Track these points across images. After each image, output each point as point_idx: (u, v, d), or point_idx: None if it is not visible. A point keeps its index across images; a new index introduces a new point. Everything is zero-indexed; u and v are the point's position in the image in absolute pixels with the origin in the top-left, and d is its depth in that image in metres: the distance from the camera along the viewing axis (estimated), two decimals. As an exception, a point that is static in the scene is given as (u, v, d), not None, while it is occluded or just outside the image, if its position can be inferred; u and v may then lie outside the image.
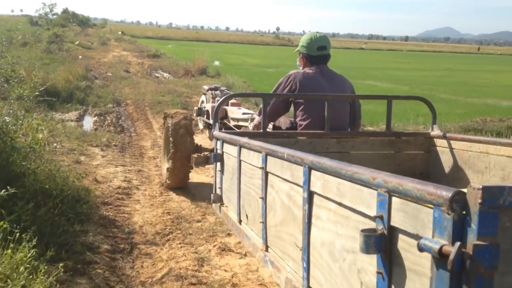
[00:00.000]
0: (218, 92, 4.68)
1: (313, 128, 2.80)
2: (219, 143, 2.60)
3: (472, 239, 0.84)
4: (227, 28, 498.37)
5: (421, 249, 0.92)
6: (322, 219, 1.42)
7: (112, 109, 8.88)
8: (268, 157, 1.84)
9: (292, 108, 3.01)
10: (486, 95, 14.40)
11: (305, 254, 1.51)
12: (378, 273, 1.10)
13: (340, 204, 1.30)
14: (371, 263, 1.15)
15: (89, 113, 8.59)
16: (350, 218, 1.26)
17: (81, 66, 12.56)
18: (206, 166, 4.21)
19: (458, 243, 0.84)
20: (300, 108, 2.88)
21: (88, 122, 7.82)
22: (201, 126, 5.15)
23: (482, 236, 0.83)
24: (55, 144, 5.39)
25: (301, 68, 3.05)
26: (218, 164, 2.61)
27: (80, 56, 19.44)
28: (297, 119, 2.92)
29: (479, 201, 0.83)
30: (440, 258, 0.87)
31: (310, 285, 1.50)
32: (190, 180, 4.35)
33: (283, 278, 1.69)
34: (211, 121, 3.83)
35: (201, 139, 5.86)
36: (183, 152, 4.03)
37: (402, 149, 2.86)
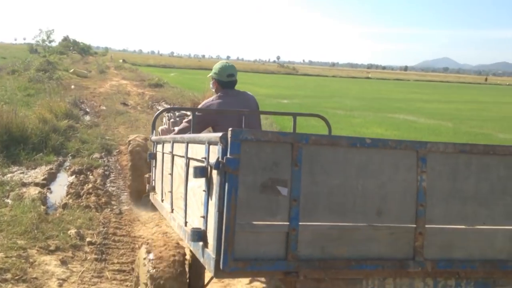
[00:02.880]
0: (172, 113, 5.23)
1: None
2: (153, 145, 3.40)
3: (227, 155, 1.52)
4: (228, 57, 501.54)
5: (211, 166, 1.64)
6: (191, 174, 1.85)
7: (99, 161, 6.43)
8: (174, 144, 2.50)
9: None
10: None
11: (184, 200, 2.13)
12: (204, 191, 1.75)
13: (197, 160, 1.94)
14: (203, 186, 1.77)
15: (66, 168, 6.12)
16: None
17: (64, 100, 10.13)
18: None
19: (217, 157, 1.56)
20: (217, 128, 3.38)
21: (60, 187, 5.35)
22: None
23: (232, 154, 1.52)
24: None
25: (213, 90, 3.64)
26: (153, 161, 3.35)
27: (72, 86, 17.17)
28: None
29: (230, 136, 1.52)
30: (214, 169, 1.60)
31: (187, 220, 2.10)
32: None
33: (176, 224, 2.30)
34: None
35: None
36: (139, 172, 4.61)
37: None
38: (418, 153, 1.73)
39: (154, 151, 3.31)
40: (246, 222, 1.54)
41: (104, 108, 12.50)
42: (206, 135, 1.85)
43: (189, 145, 2.10)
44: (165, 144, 2.83)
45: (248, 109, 3.46)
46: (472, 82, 78.22)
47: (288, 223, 1.59)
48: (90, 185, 5.14)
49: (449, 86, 55.15)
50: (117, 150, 7.32)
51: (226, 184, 1.51)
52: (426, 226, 1.73)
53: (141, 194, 4.48)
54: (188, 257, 2.22)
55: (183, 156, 2.21)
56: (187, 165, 2.10)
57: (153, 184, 3.30)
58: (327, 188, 1.64)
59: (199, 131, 3.31)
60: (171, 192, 2.50)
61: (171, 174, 2.51)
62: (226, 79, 3.47)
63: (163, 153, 2.90)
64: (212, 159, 1.62)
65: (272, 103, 18.14)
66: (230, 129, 1.52)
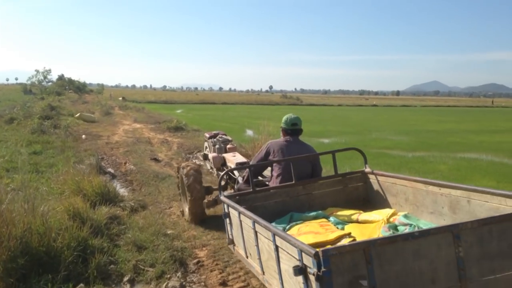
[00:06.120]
0: (216, 139, 6.27)
1: (284, 179, 4.30)
2: (225, 205, 3.80)
3: (322, 268, 2.10)
4: (221, 89, 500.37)
5: (309, 273, 2.21)
6: (283, 259, 2.62)
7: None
8: (255, 223, 3.02)
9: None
10: None
11: (279, 276, 2.71)
12: (303, 283, 2.31)
13: (287, 253, 2.51)
14: (301, 279, 2.32)
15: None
16: (292, 259, 2.44)
17: (96, 173, 7.36)
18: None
19: (315, 269, 2.12)
20: (274, 167, 4.47)
21: None
22: (208, 167, 7.09)
23: (326, 267, 2.09)
24: None
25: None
26: (227, 219, 3.84)
27: (83, 136, 14.51)
28: (273, 173, 4.48)
29: (321, 254, 2.09)
30: (313, 276, 2.13)
31: None
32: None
33: None
34: (214, 169, 6.48)
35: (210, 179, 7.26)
36: (196, 196, 5.47)
37: (348, 184, 4.32)
38: (453, 233, 2.36)
39: (227, 211, 3.80)
40: None
41: (132, 167, 9.80)
42: (298, 244, 2.34)
43: (276, 236, 2.66)
44: (242, 216, 3.36)
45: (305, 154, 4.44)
46: (481, 106, 76.65)
47: None
48: None
49: (464, 111, 53.11)
50: (195, 261, 4.58)
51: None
52: (468, 283, 2.37)
53: (199, 213, 5.59)
54: None
55: (269, 240, 2.78)
56: (277, 251, 2.69)
57: (231, 237, 3.86)
58: (393, 273, 2.26)
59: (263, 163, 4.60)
60: (259, 259, 3.10)
61: (257, 245, 3.10)
62: (291, 127, 4.58)
63: (240, 220, 3.44)
64: (307, 263, 2.24)
65: (313, 143, 15.59)
66: (320, 250, 2.12)
